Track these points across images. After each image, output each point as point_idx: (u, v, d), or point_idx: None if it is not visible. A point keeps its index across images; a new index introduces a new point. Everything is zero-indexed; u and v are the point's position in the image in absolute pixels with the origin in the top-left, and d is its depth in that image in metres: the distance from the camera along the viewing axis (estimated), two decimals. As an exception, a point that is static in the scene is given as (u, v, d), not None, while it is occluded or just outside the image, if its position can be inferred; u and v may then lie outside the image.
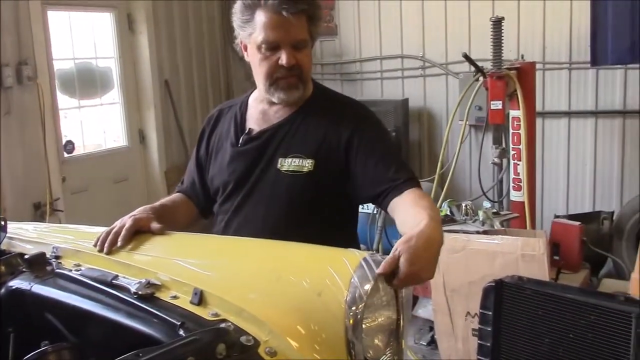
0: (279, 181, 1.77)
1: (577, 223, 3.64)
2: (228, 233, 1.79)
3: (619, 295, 2.69)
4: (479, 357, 3.00)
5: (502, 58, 3.76)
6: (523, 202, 3.66)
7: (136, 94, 5.10)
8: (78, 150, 4.53)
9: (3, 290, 1.51)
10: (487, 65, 3.82)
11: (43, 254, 1.57)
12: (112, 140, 4.98)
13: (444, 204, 3.57)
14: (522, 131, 3.63)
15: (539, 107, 4.15)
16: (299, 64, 1.74)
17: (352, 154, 1.75)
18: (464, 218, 3.43)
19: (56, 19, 4.45)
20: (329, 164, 1.75)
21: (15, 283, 1.51)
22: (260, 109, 1.88)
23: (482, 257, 3.10)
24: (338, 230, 1.80)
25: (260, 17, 1.70)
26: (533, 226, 3.72)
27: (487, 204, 3.64)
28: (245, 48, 1.81)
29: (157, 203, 1.86)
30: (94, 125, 4.82)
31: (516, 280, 2.90)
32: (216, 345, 1.15)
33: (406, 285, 1.34)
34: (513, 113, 3.72)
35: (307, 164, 1.75)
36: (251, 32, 1.74)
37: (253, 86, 1.91)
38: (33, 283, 1.48)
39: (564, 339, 2.72)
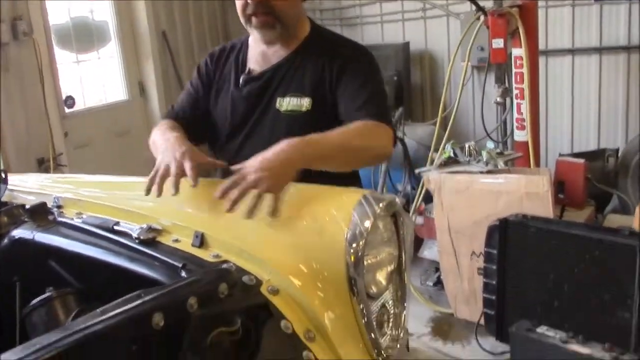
0: (278, 122, 1.77)
1: (582, 160, 3.62)
2: (226, 157, 1.79)
3: (624, 229, 2.69)
4: (484, 295, 3.03)
5: (504, -5, 3.68)
6: (527, 142, 3.62)
7: (134, 47, 5.03)
8: (79, 106, 4.51)
9: (6, 240, 1.52)
10: (489, 5, 3.74)
11: (44, 204, 1.57)
12: (112, 95, 4.94)
13: (447, 145, 3.54)
14: (525, 70, 3.57)
15: (542, 46, 4.07)
16: (271, 3, 1.72)
17: (339, 87, 1.75)
18: (467, 159, 3.41)
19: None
20: (326, 102, 1.74)
21: (18, 233, 1.51)
22: (260, 50, 1.86)
23: (486, 196, 3.09)
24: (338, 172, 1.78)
25: None
26: (537, 165, 3.70)
27: (490, 145, 3.62)
28: None
29: (175, 134, 1.67)
30: (93, 80, 4.78)
31: (520, 218, 2.90)
32: (218, 285, 1.16)
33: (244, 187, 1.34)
34: (515, 52, 3.65)
35: (305, 103, 1.74)
36: None
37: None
38: (35, 232, 1.49)
39: (568, 275, 2.73)
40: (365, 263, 1.28)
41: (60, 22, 4.48)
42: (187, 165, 1.46)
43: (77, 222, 1.49)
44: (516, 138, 3.84)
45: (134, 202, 1.56)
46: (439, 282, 3.64)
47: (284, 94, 1.78)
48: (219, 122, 1.88)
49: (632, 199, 3.96)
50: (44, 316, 1.29)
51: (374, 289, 1.32)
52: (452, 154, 3.45)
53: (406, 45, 5.01)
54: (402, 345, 1.43)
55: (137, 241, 1.38)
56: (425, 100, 5.29)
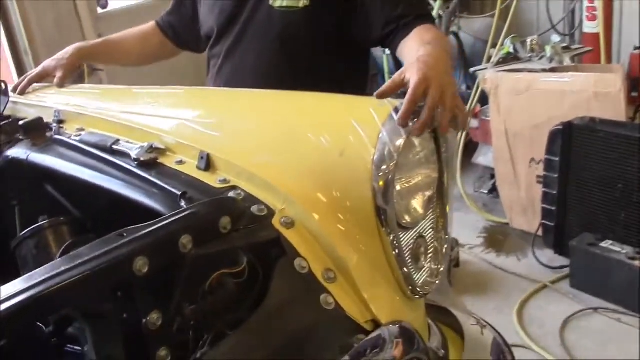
0: (272, 20, 1.53)
1: (660, 54, 3.23)
2: (220, 80, 1.58)
3: None
4: (543, 205, 2.80)
5: None
6: (597, 34, 3.25)
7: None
8: (112, 5, 4.29)
9: (0, 159, 1.37)
10: None
11: (40, 120, 1.41)
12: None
13: (506, 40, 3.20)
14: (598, -50, 3.14)
15: None
16: None
17: None
18: (529, 55, 3.08)
19: None
20: None
21: (12, 152, 1.36)
22: None
23: (549, 97, 2.79)
24: (345, 82, 1.54)
25: None
26: (609, 60, 3.32)
27: (556, 38, 3.25)
28: None
29: (100, 40, 1.94)
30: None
31: (587, 122, 2.61)
32: (219, 219, 0.97)
33: (431, 111, 1.06)
34: None
35: None
36: None
37: None
38: (30, 152, 1.33)
39: (639, 184, 2.46)
40: (396, 189, 1.08)
41: None
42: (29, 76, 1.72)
43: (73, 140, 1.32)
44: (585, 30, 3.46)
45: (140, 117, 1.37)
46: (494, 190, 3.40)
47: None
48: (207, 22, 1.66)
49: None
50: (33, 249, 1.15)
51: (407, 219, 1.12)
52: (511, 50, 3.12)
53: None
54: (444, 281, 1.24)
55: (135, 163, 1.21)
56: (484, -10, 4.83)
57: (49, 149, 1.33)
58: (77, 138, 1.34)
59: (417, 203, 1.14)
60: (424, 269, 1.19)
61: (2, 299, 0.77)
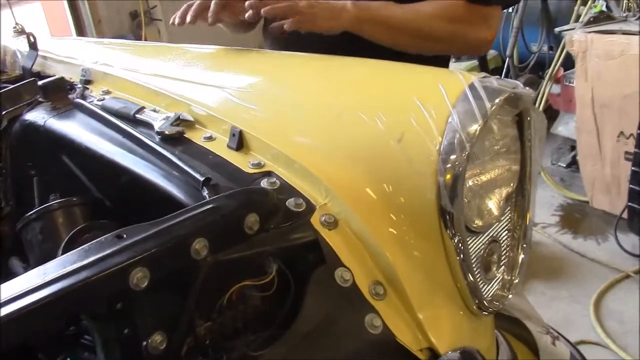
0: None
1: None
2: (281, 41, 1.36)
3: None
4: (631, 185, 2.50)
5: None
6: None
7: None
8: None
9: (17, 125, 1.22)
10: None
11: (61, 80, 1.26)
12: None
13: (599, -3, 2.86)
14: None
15: None
16: None
17: None
18: (624, 15, 2.73)
19: None
20: None
21: (30, 116, 1.22)
22: None
23: (646, 64, 2.46)
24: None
25: None
26: None
27: (657, -5, 2.86)
28: None
29: None
30: None
31: (692, 94, 2.29)
32: (244, 217, 0.79)
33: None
34: None
35: None
36: None
37: None
38: (48, 116, 1.18)
39: None
40: (467, 185, 0.86)
41: None
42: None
43: (95, 105, 1.16)
44: (691, -14, 3.03)
45: (171, 81, 1.19)
46: (573, 164, 3.11)
47: None
48: None
49: None
50: (39, 233, 1.01)
51: (478, 222, 0.90)
52: (604, 8, 2.77)
53: None
54: (519, 293, 1.02)
55: (158, 137, 1.04)
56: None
57: (68, 115, 1.18)
58: (100, 103, 1.18)
59: (493, 203, 0.93)
60: (495, 280, 0.98)
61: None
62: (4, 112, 1.23)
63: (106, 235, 0.74)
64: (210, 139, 1.02)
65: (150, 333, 0.72)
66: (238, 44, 1.30)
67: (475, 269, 0.92)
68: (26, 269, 1.04)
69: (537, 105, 3.14)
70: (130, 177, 1.00)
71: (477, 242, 0.93)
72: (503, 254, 0.99)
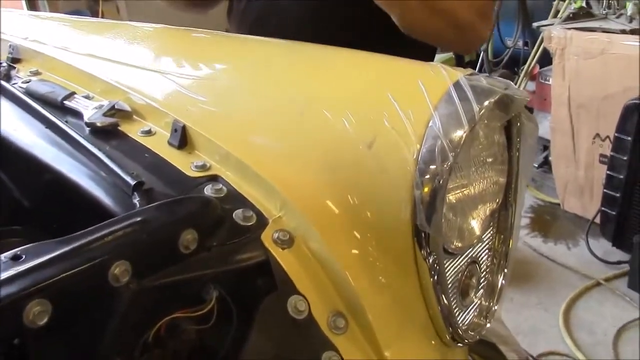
0: None
1: None
2: (246, 18, 1.20)
3: None
4: (606, 190, 2.41)
5: None
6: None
7: None
8: None
9: None
10: None
11: (-18, 58, 1.08)
12: None
13: (578, -8, 2.75)
14: None
15: None
16: None
17: None
18: (604, 12, 2.64)
19: None
20: None
21: (-56, 99, 1.04)
22: None
23: (626, 64, 2.37)
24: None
25: None
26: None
27: (638, -6, 2.77)
28: None
29: None
30: None
31: (674, 98, 2.20)
32: (179, 233, 0.65)
33: None
34: None
35: None
36: None
37: None
38: (-36, 101, 1.01)
39: None
40: (447, 200, 0.74)
41: None
42: None
43: (19, 89, 1.00)
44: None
45: (109, 64, 1.03)
46: (545, 164, 3.02)
47: None
48: None
49: None
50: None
51: (457, 244, 0.78)
52: (584, 4, 2.68)
53: None
54: (497, 321, 0.91)
55: (88, 129, 0.88)
56: None
57: (-13, 99, 1.01)
58: (24, 86, 1.01)
59: (476, 221, 0.80)
60: (472, 306, 0.86)
61: None
62: None
63: (5, 254, 0.59)
64: (148, 133, 0.87)
65: (52, 380, 0.58)
66: (202, 26, 1.14)
67: (451, 294, 0.80)
68: None
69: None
70: (53, 176, 0.85)
71: (455, 264, 0.81)
72: (482, 276, 0.87)
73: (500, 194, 0.83)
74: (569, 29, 2.54)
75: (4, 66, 1.10)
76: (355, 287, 0.72)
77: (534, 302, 2.26)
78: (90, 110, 0.91)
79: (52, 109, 0.93)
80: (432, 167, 0.69)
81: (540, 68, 3.01)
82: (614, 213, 2.37)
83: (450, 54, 3.30)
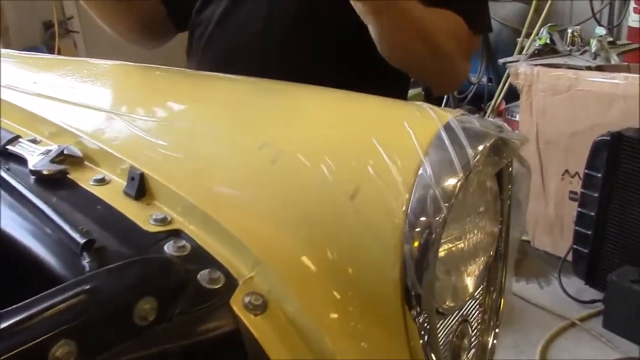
0: None
1: None
2: (208, 57, 1.11)
3: None
4: (577, 228, 2.38)
5: None
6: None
7: None
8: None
9: None
10: None
11: None
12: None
13: (542, 30, 2.76)
14: None
15: None
16: None
17: None
18: (568, 49, 2.65)
19: None
20: None
21: None
22: None
23: (593, 100, 2.36)
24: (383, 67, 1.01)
25: None
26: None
27: (601, 31, 2.80)
28: None
29: None
30: None
31: (641, 133, 2.19)
32: (134, 303, 0.56)
33: None
34: None
35: None
36: None
37: None
38: None
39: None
40: (440, 256, 0.66)
41: None
42: None
43: (-44, 133, 0.90)
44: (631, 24, 3.01)
45: (60, 105, 0.94)
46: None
47: None
48: None
49: None
50: None
51: (450, 303, 0.70)
52: (548, 41, 2.68)
53: None
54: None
55: (33, 177, 0.79)
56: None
57: None
58: (-37, 130, 0.91)
59: (470, 277, 0.72)
60: (463, 369, 0.78)
61: None
62: None
63: None
64: (102, 182, 0.78)
65: None
66: (165, 63, 1.06)
67: (442, 358, 0.72)
68: None
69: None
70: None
71: (446, 325, 0.73)
72: (473, 335, 0.80)
73: (493, 245, 0.76)
74: (535, 65, 2.54)
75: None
76: (336, 356, 0.63)
77: (510, 344, 2.19)
78: (36, 156, 0.81)
79: (-6, 155, 0.83)
80: (423, 219, 0.62)
81: (507, 104, 3.01)
82: (586, 251, 2.33)
83: (418, 90, 3.28)
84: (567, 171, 2.48)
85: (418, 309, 0.65)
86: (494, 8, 3.75)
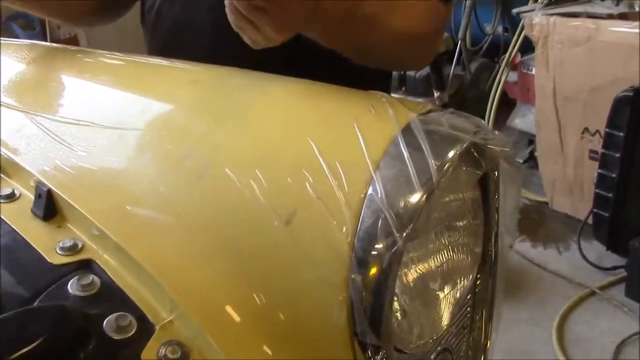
0: None
1: None
2: (159, 30, 0.97)
3: None
4: (597, 190, 2.23)
5: None
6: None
7: None
8: None
9: None
10: None
11: None
12: None
13: (560, -26, 2.55)
14: None
15: None
16: None
17: None
18: (589, -5, 2.44)
19: None
20: None
21: None
22: None
23: (615, 52, 2.17)
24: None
25: None
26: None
27: (624, -26, 2.57)
28: None
29: None
30: None
31: (669, 89, 2.01)
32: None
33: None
34: None
35: None
36: None
37: None
38: None
39: None
40: (404, 282, 0.53)
41: None
42: None
43: None
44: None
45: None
46: (530, 159, 2.82)
47: None
48: None
49: None
50: None
51: (418, 341, 0.57)
52: (567, -13, 2.47)
53: None
54: None
55: None
56: None
57: None
58: None
59: (445, 306, 0.60)
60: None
61: None
62: None
63: None
64: (11, 197, 0.66)
65: None
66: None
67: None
68: None
69: (492, 95, 2.84)
70: None
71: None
72: (459, 361, 0.67)
73: (476, 265, 0.63)
74: (552, 14, 2.34)
75: None
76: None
77: (524, 316, 2.07)
78: (-64, 167, 0.69)
79: None
80: (374, 253, 0.49)
81: (522, 56, 2.82)
82: (607, 215, 2.18)
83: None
84: (586, 129, 2.31)
85: (373, 356, 0.53)
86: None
